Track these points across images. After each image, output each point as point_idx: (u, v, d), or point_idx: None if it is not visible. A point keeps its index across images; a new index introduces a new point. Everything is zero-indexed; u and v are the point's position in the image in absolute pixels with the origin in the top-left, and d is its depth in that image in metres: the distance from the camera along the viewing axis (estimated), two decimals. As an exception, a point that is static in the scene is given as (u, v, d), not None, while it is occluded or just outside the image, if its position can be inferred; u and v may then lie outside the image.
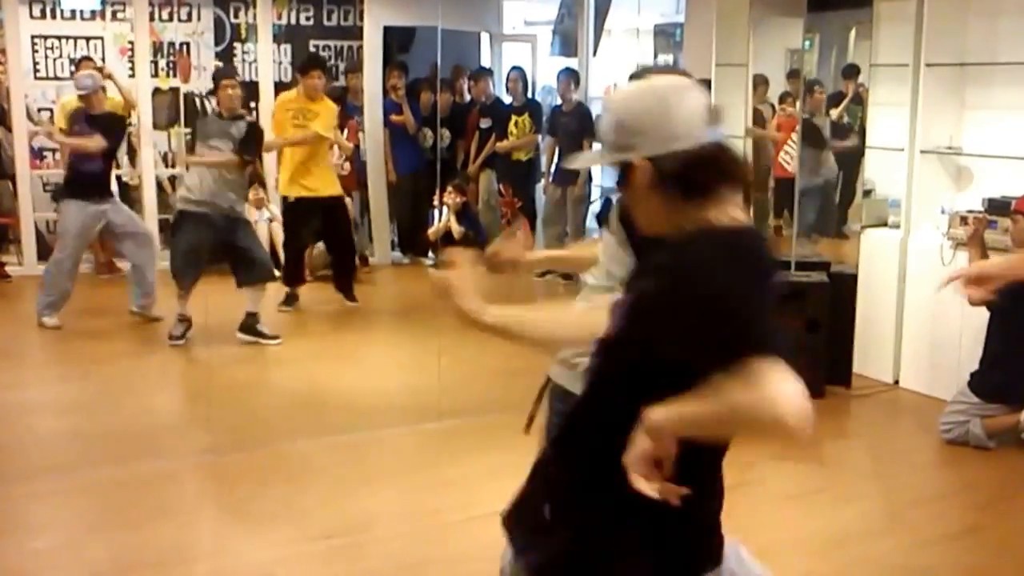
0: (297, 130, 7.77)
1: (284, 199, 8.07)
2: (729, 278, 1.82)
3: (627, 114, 1.96)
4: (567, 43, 10.26)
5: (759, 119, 7.45)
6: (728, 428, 1.90)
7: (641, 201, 2.00)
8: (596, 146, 2.07)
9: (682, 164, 1.91)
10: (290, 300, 7.93)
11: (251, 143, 6.96)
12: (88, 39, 9.41)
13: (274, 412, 5.79)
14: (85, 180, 7.17)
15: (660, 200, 1.96)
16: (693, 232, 1.92)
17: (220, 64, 9.62)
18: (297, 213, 7.90)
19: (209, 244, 6.80)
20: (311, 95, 7.81)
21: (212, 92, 7.44)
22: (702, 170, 1.92)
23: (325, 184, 7.81)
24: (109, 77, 8.71)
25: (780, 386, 1.77)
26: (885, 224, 6.45)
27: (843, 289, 6.11)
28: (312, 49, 10.09)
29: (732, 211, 1.95)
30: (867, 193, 6.71)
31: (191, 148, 7.27)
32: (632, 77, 2.08)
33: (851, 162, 6.98)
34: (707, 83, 7.48)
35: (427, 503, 4.48)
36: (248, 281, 6.88)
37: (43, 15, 9.29)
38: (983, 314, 5.28)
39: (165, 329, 7.36)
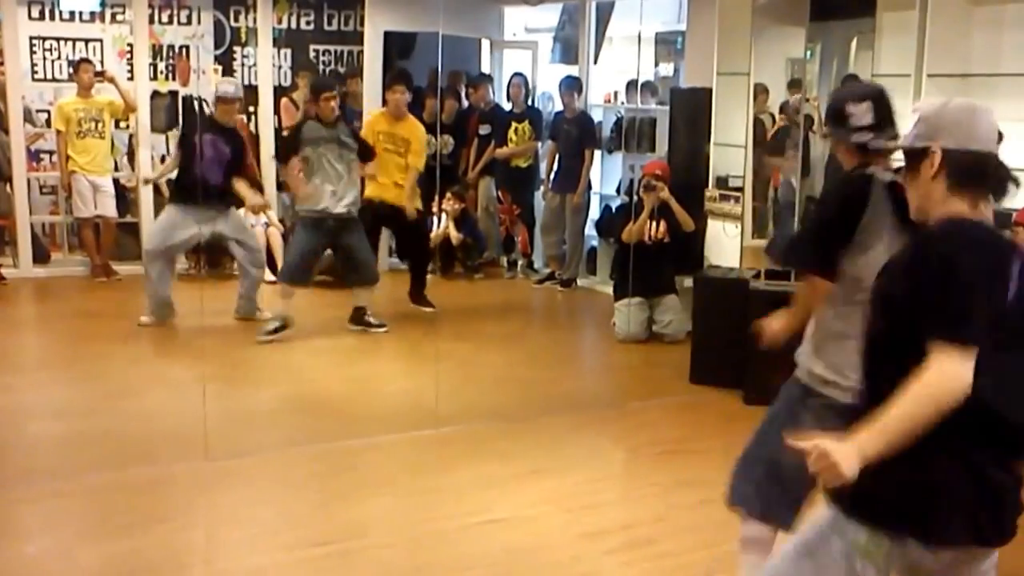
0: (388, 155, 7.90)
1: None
2: (967, 261, 2.21)
3: (937, 111, 2.35)
4: (568, 50, 10.25)
5: (760, 128, 7.43)
6: (919, 421, 2.15)
7: (922, 186, 2.36)
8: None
9: (970, 161, 2.31)
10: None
11: (366, 147, 7.42)
12: (87, 41, 9.40)
13: (270, 418, 5.76)
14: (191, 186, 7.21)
15: (938, 188, 2.33)
16: (955, 218, 2.31)
17: (219, 67, 9.64)
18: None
19: (323, 246, 7.33)
20: (396, 114, 7.96)
21: (313, 101, 7.49)
22: (981, 170, 2.32)
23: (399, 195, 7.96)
24: (111, 80, 8.73)
25: (941, 371, 2.14)
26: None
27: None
28: (312, 54, 10.08)
29: (986, 212, 2.35)
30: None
31: (287, 156, 7.30)
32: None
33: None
34: (708, 92, 7.50)
35: (423, 510, 4.45)
36: (359, 281, 7.44)
37: (42, 16, 9.28)
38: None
39: (159, 334, 7.34)
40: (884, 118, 3.16)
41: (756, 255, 6.98)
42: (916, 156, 2.36)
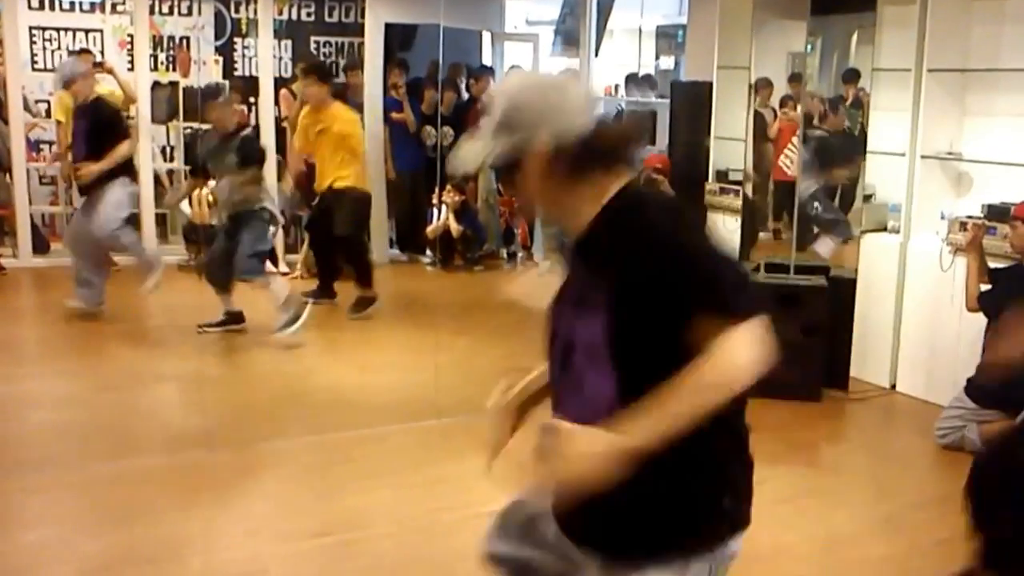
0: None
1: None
2: (683, 234, 1.94)
3: (525, 99, 1.99)
4: (569, 43, 10.26)
5: (760, 122, 7.44)
6: (704, 405, 1.87)
7: (537, 190, 2.03)
8: (479, 137, 2.04)
9: (580, 145, 1.96)
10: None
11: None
12: (87, 31, 9.41)
13: (270, 409, 5.77)
14: None
15: (555, 185, 2.00)
16: (622, 201, 1.98)
17: (220, 58, 9.63)
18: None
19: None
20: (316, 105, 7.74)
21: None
22: (597, 148, 1.97)
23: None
24: (110, 71, 8.72)
25: (736, 342, 1.84)
26: (885, 229, 6.44)
27: (842, 293, 6.10)
28: (313, 45, 10.09)
29: (625, 179, 2.02)
30: (867, 198, 6.70)
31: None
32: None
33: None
34: (708, 85, 7.50)
35: (423, 501, 4.46)
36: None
37: (41, 6, 9.29)
38: (980, 320, 5.29)
39: (159, 325, 7.36)
40: None
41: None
42: (513, 161, 2.01)
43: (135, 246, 7.22)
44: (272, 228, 6.89)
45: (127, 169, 7.26)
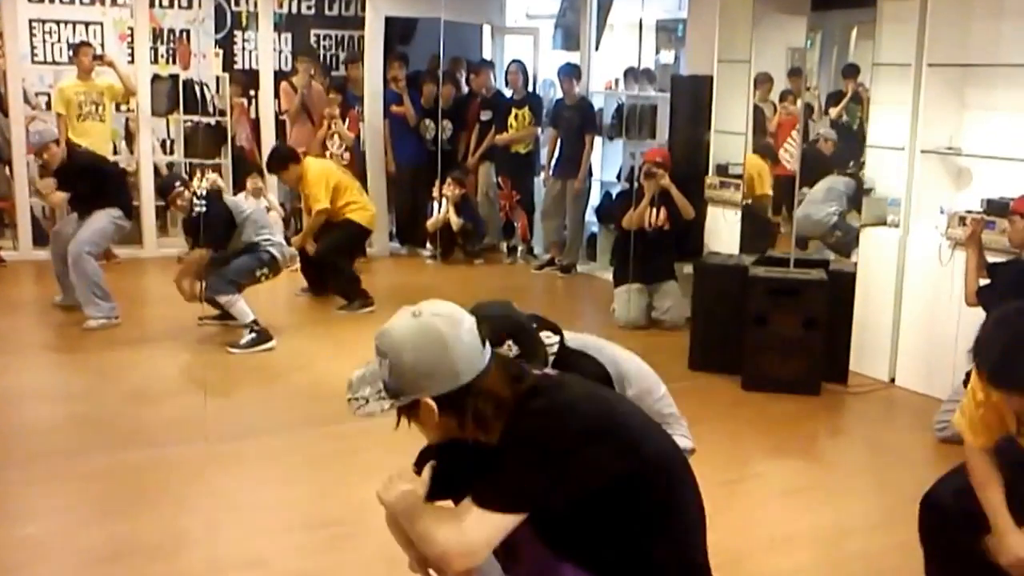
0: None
1: None
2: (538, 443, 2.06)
3: (409, 360, 2.07)
4: (569, 37, 10.24)
5: (760, 117, 7.44)
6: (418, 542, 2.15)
7: (437, 427, 2.15)
8: (373, 373, 2.18)
9: (470, 399, 2.09)
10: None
11: None
12: (87, 24, 9.41)
13: (268, 402, 5.78)
14: None
15: (454, 422, 2.13)
16: (518, 422, 2.09)
17: (219, 51, 9.64)
18: None
19: None
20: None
21: None
22: (486, 400, 2.09)
23: None
24: (110, 64, 8.73)
25: (463, 533, 2.04)
26: (884, 223, 6.45)
27: (841, 287, 6.11)
28: (313, 38, 10.10)
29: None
30: (867, 192, 6.71)
31: None
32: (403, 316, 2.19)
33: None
34: (709, 79, 7.50)
35: (422, 494, 4.47)
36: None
37: (42, -1, 9.28)
38: (979, 315, 5.29)
39: (159, 317, 7.37)
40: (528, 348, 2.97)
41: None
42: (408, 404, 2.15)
43: (92, 282, 6.96)
44: (266, 271, 6.85)
45: (126, 202, 7.31)
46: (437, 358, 2.05)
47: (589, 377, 2.81)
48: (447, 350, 2.06)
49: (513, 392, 2.12)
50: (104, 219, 7.05)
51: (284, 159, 7.80)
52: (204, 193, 6.82)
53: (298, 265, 8.69)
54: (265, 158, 8.37)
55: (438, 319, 2.09)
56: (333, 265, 7.83)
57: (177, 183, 6.94)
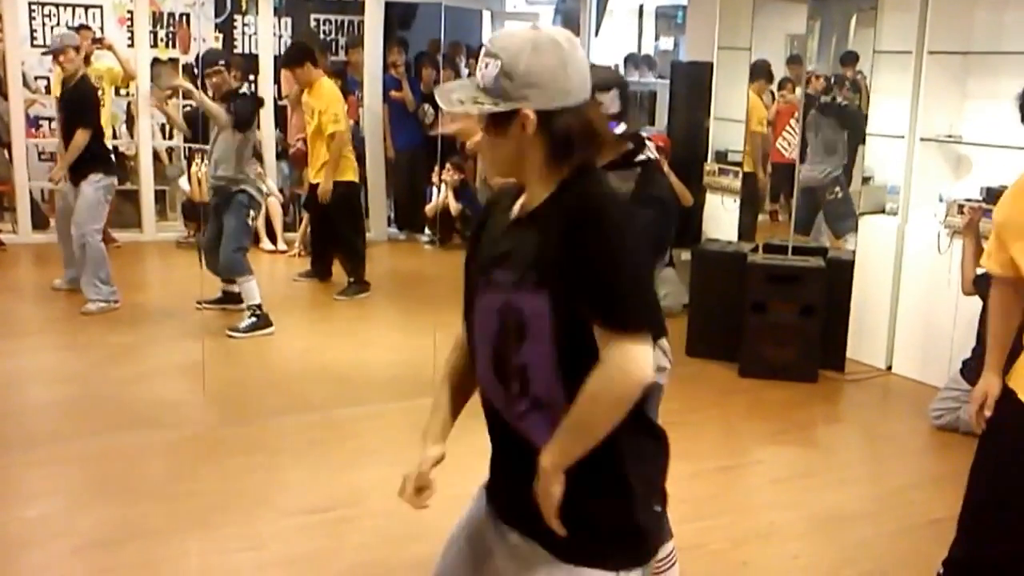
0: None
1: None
2: (635, 242, 1.93)
3: (523, 64, 1.90)
4: (569, 22, 10.24)
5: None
6: (604, 423, 1.89)
7: (512, 150, 1.96)
8: (464, 83, 1.99)
9: (570, 122, 1.92)
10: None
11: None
12: (87, 7, 9.38)
13: (268, 386, 5.79)
14: None
15: (535, 152, 1.94)
16: (587, 185, 1.95)
17: (219, 35, 9.61)
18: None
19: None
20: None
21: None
22: (582, 131, 1.93)
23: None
24: (109, 48, 8.71)
25: (636, 358, 1.83)
26: (883, 211, 6.46)
27: (839, 274, 6.12)
28: (312, 23, 10.08)
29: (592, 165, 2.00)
30: (866, 180, 6.71)
31: None
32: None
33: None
34: (709, 66, 7.50)
35: (420, 479, 4.48)
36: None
37: (42, -18, 9.26)
38: (977, 303, 5.30)
39: (158, 301, 7.38)
40: (626, 107, 3.08)
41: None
42: (501, 115, 1.94)
43: (97, 266, 6.94)
44: (252, 212, 6.83)
45: (103, 160, 7.18)
46: (553, 70, 1.90)
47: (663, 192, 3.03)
48: (564, 65, 1.91)
49: (604, 140, 2.02)
50: (89, 191, 6.95)
51: (305, 54, 7.61)
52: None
53: (297, 250, 8.72)
54: (282, 57, 8.21)
55: (559, 34, 1.94)
56: (352, 240, 7.82)
57: (221, 61, 6.92)
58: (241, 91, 6.94)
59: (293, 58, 7.62)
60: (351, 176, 7.76)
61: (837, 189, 6.88)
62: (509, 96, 1.91)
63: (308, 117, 7.60)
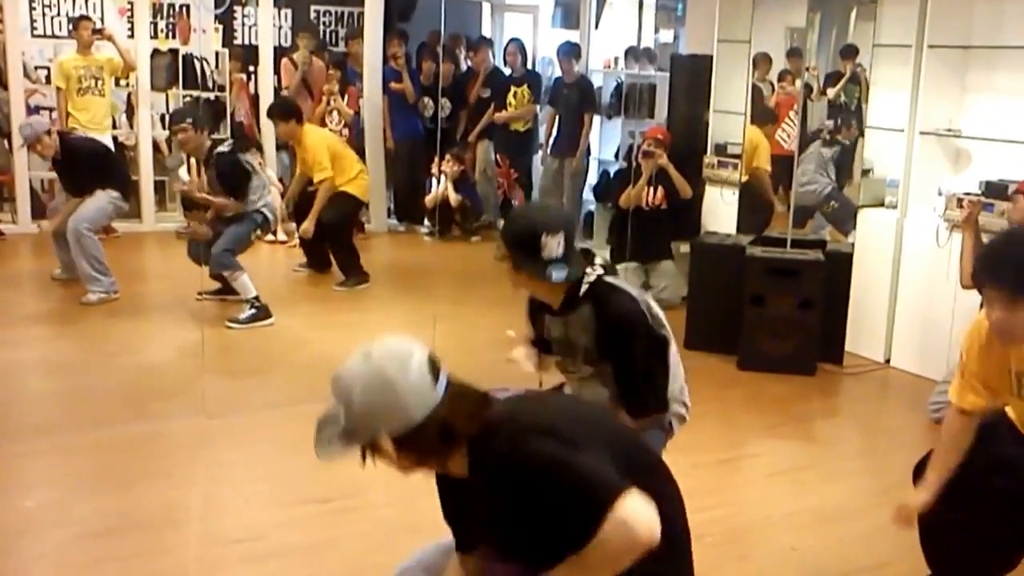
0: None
1: None
2: (547, 455, 2.03)
3: (357, 404, 2.09)
4: (569, 15, 10.22)
5: (758, 97, 7.43)
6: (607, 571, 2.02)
7: (400, 464, 2.16)
8: (334, 419, 2.20)
9: (419, 436, 2.08)
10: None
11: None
12: (87, -2, 9.36)
13: (267, 377, 5.80)
14: None
15: (416, 456, 2.14)
16: (486, 443, 2.10)
17: (219, 26, 9.60)
18: None
19: None
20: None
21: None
22: (440, 435, 2.10)
23: None
24: (109, 38, 8.70)
25: (625, 513, 1.96)
26: (882, 204, 6.46)
27: (838, 268, 6.13)
28: (312, 14, 10.07)
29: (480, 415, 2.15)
30: (865, 173, 6.72)
31: None
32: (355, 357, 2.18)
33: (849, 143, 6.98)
34: (708, 59, 7.49)
35: (419, 470, 4.49)
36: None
37: (42, -28, 9.24)
38: (975, 297, 5.28)
39: (157, 292, 7.38)
40: (571, 251, 3.08)
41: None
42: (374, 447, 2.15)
43: (92, 257, 6.95)
44: (259, 232, 6.92)
45: (121, 182, 7.29)
46: (386, 400, 2.07)
47: (619, 309, 3.01)
48: (395, 392, 2.07)
49: (471, 424, 2.14)
50: (103, 199, 7.05)
51: (289, 111, 7.73)
52: (227, 147, 6.86)
53: (297, 241, 8.70)
54: (267, 107, 8.36)
55: (385, 361, 2.10)
56: (338, 240, 7.83)
57: (188, 119, 6.85)
58: (218, 151, 6.79)
59: (280, 114, 7.77)
60: (357, 192, 7.87)
61: (832, 203, 6.89)
62: (360, 433, 2.13)
63: (299, 161, 7.85)
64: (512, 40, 9.81)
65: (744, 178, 7.13)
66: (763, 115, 7.39)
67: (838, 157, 6.81)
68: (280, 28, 9.86)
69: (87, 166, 7.13)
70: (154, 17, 9.45)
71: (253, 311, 6.61)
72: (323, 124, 9.20)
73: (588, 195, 9.59)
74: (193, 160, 8.23)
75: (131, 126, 9.49)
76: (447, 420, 2.10)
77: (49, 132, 7.16)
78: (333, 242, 7.86)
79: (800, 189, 6.71)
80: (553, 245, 2.99)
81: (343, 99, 9.35)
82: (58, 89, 8.67)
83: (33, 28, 9.24)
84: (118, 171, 7.47)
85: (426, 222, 9.88)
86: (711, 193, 7.59)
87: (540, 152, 9.66)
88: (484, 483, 2.12)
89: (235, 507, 4.13)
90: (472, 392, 2.22)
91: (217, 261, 6.68)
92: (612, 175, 9.08)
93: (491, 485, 2.10)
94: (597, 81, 9.64)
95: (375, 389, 2.08)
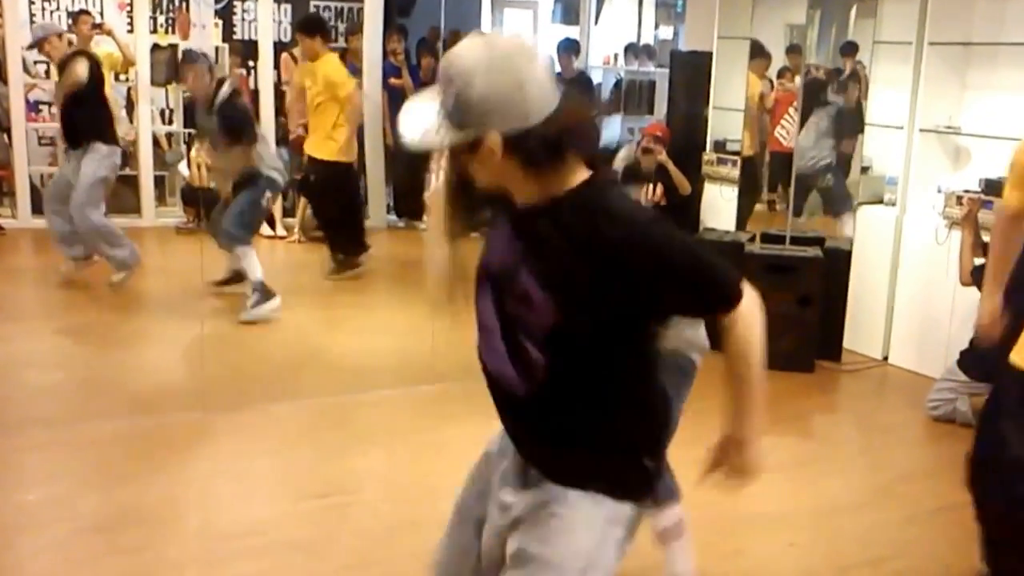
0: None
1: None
2: (669, 231, 1.93)
3: (477, 90, 1.83)
4: (569, 11, 10.22)
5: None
6: (759, 369, 2.03)
7: (494, 171, 1.93)
8: (429, 107, 1.91)
9: (536, 139, 1.86)
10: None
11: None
12: (87, -8, 9.35)
13: (267, 372, 5.80)
14: None
15: (514, 169, 1.91)
16: (592, 190, 1.93)
17: (219, 21, 9.59)
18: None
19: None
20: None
21: None
22: (554, 142, 1.88)
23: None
24: (109, 33, 8.68)
25: (750, 307, 1.99)
26: (881, 201, 6.47)
27: (837, 265, 6.13)
28: (312, 9, 10.05)
29: (582, 167, 1.95)
30: (865, 170, 6.72)
31: None
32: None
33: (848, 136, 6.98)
34: (708, 55, 7.49)
35: (419, 465, 4.51)
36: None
37: (41, -34, 9.23)
38: (974, 294, 5.30)
39: (157, 286, 7.38)
40: None
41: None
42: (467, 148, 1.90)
43: (105, 234, 6.93)
44: (269, 194, 6.82)
45: (109, 133, 7.18)
46: (508, 93, 1.84)
47: None
48: (520, 86, 1.84)
49: (584, 145, 1.95)
50: (89, 171, 6.90)
51: (320, 26, 7.71)
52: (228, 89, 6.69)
53: (296, 236, 8.72)
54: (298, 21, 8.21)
55: (513, 52, 1.88)
56: (344, 222, 7.83)
57: (203, 61, 6.78)
58: (221, 96, 6.59)
59: (308, 27, 7.64)
60: (343, 157, 7.78)
61: (829, 176, 6.89)
62: (468, 124, 1.86)
63: (310, 84, 7.61)
64: (515, 33, 9.81)
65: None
66: (758, 52, 7.38)
67: (836, 119, 6.78)
68: (280, 23, 9.85)
69: (88, 107, 7.01)
70: (154, 12, 9.45)
71: (257, 295, 6.52)
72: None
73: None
74: (192, 152, 8.24)
75: (131, 121, 9.48)
76: (562, 131, 1.88)
77: (60, 36, 7.11)
78: (338, 222, 7.85)
79: (800, 162, 6.71)
80: None
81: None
82: (57, 84, 8.65)
83: (33, 22, 9.22)
84: (105, 106, 7.33)
85: (426, 218, 9.86)
86: (710, 190, 7.60)
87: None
88: (574, 228, 1.89)
89: (235, 502, 4.13)
90: (586, 112, 2.04)
91: (227, 234, 6.56)
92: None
93: (588, 233, 1.88)
94: (597, 78, 9.65)
95: (500, 80, 1.83)
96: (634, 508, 2.11)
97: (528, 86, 1.85)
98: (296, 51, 9.40)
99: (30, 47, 7.37)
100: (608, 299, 1.88)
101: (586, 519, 2.03)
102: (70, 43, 7.24)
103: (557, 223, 1.91)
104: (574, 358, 1.97)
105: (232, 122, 6.50)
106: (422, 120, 1.91)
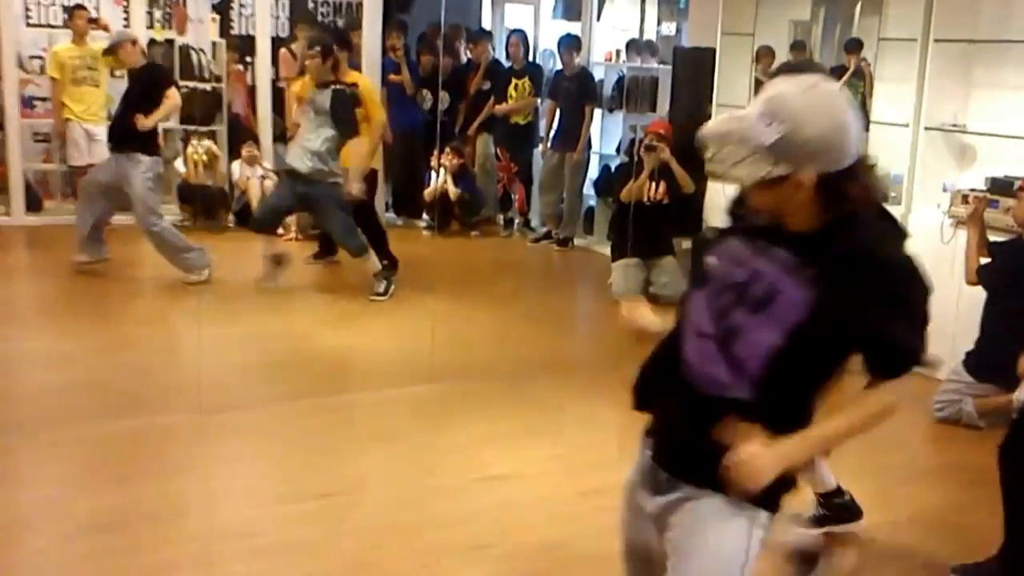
0: None
1: None
2: (924, 281, 2.05)
3: (805, 133, 1.95)
4: (570, 7, 10.17)
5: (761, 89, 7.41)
6: (856, 432, 2.22)
7: (787, 201, 2.03)
8: (736, 132, 2.01)
9: (848, 184, 1.99)
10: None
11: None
12: (83, -13, 9.28)
13: (265, 372, 5.75)
14: None
15: (809, 203, 2.02)
16: (865, 226, 2.04)
17: (216, 16, 9.54)
18: None
19: (290, 201, 7.22)
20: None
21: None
22: (860, 194, 2.02)
23: None
24: (105, 28, 8.64)
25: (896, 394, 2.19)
26: (886, 200, 6.41)
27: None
28: (311, 5, 10.01)
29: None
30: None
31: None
32: (786, 71, 2.12)
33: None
34: (711, 52, 7.45)
35: (418, 465, 4.47)
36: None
37: (37, -40, 9.17)
38: (980, 294, 5.27)
39: (157, 285, 7.33)
40: None
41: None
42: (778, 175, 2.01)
43: (175, 246, 7.09)
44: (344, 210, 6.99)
45: (154, 145, 7.23)
46: (834, 135, 1.97)
47: None
48: (845, 128, 1.98)
49: (866, 193, 2.06)
50: (137, 184, 6.96)
51: (348, 41, 7.80)
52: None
53: (294, 235, 8.66)
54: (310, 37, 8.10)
55: (838, 99, 2.01)
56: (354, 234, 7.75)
57: (319, 47, 6.97)
58: (339, 86, 6.85)
59: (339, 44, 7.38)
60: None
61: None
62: (788, 161, 1.96)
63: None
64: (515, 31, 9.76)
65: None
66: (764, 53, 7.34)
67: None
68: (278, 19, 9.80)
69: (151, 95, 7.08)
70: (150, 7, 9.40)
71: (384, 281, 7.06)
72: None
73: (589, 190, 9.55)
74: (189, 150, 8.18)
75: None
76: (860, 175, 2.02)
77: (134, 42, 7.32)
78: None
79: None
80: None
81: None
82: (53, 79, 8.60)
83: (28, 17, 9.17)
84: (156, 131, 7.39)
85: (425, 216, 9.83)
86: (714, 188, 7.54)
87: (540, 146, 9.61)
88: (833, 256, 2.02)
89: (233, 502, 4.09)
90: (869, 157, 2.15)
91: (351, 250, 7.06)
92: (613, 170, 9.03)
93: (845, 263, 2.01)
94: (599, 74, 9.60)
95: (830, 123, 1.97)
96: (769, 518, 2.22)
97: (848, 132, 1.99)
98: (295, 47, 9.36)
99: (105, 53, 7.61)
100: (841, 328, 2.07)
101: (736, 525, 2.17)
102: (143, 52, 7.53)
103: (827, 247, 2.03)
104: (788, 372, 2.12)
105: (345, 107, 6.84)
106: (734, 147, 2.01)
